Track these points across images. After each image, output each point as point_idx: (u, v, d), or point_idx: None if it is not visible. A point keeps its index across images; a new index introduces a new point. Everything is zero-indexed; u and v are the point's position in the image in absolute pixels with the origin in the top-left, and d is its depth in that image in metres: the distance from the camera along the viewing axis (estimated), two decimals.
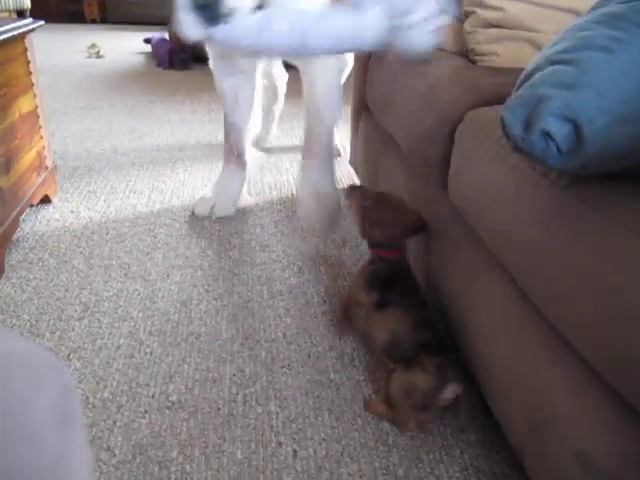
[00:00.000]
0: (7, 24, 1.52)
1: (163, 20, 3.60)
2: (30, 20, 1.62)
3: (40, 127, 1.71)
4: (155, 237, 1.60)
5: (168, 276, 1.43)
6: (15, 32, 1.49)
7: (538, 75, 0.69)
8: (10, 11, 4.21)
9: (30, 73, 1.64)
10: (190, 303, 1.33)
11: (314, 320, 1.29)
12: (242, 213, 1.76)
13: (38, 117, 1.69)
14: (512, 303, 0.88)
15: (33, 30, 1.60)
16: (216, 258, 1.51)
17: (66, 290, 1.36)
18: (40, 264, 1.46)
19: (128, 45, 4.60)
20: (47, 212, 1.72)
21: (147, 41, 4.40)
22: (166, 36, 4.30)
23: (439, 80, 1.23)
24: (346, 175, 2.04)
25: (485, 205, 0.93)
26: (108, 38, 4.82)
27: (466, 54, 1.38)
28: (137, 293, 1.36)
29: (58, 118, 2.58)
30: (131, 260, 1.49)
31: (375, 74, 1.58)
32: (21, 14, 4.30)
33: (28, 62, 1.62)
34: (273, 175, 2.05)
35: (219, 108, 2.83)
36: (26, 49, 1.60)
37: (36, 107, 1.68)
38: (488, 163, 0.93)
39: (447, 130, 1.10)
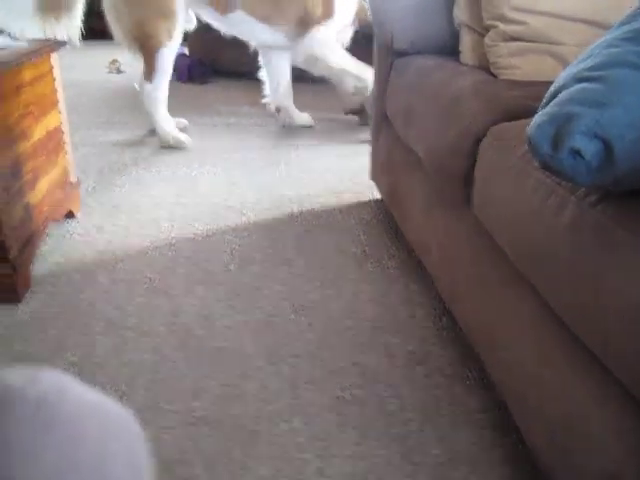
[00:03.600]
0: (34, 43, 1.55)
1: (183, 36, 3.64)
2: (55, 38, 1.65)
3: (65, 143, 1.73)
4: (177, 252, 1.61)
5: (191, 291, 1.44)
6: (42, 51, 1.51)
7: (565, 93, 0.69)
8: None
9: (56, 90, 1.66)
10: (213, 318, 1.33)
11: (337, 336, 1.29)
12: (263, 227, 1.76)
13: (63, 133, 1.72)
14: (537, 318, 0.88)
15: (59, 48, 1.62)
16: (238, 273, 1.52)
17: (91, 305, 1.37)
18: (65, 279, 1.47)
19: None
20: (71, 227, 1.74)
21: None
22: (185, 51, 4.34)
23: (461, 94, 1.23)
24: (366, 190, 2.04)
25: (510, 221, 0.93)
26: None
27: (487, 67, 1.38)
28: (160, 308, 1.36)
29: (80, 133, 2.62)
30: (154, 275, 1.50)
31: (395, 86, 1.59)
32: None
33: (54, 79, 1.65)
34: (294, 189, 2.05)
35: (238, 122, 2.87)
36: (52, 67, 1.63)
37: (61, 123, 1.70)
38: (513, 179, 0.92)
39: (470, 144, 1.10)
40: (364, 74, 2.47)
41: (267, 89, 2.84)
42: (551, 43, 1.28)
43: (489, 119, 1.09)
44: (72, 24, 2.07)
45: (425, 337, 1.29)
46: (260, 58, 2.79)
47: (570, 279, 0.74)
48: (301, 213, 1.87)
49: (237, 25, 2.48)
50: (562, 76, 0.73)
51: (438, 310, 1.37)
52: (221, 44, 2.98)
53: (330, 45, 2.52)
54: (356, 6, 2.60)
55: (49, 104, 1.62)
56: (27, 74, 1.46)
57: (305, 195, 2.01)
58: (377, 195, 1.99)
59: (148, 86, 2.40)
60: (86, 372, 1.15)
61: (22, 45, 1.52)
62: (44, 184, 1.55)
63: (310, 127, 2.77)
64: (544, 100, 0.72)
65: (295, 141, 2.62)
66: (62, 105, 1.71)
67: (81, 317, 1.32)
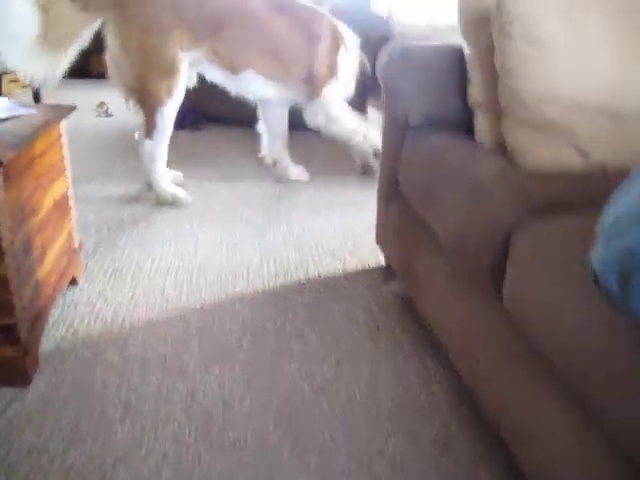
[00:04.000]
0: (43, 109, 1.52)
1: None
2: (65, 105, 1.62)
3: (70, 209, 1.70)
4: (187, 324, 1.58)
5: (206, 369, 1.40)
6: (54, 120, 1.49)
7: (624, 225, 0.69)
8: None
9: (64, 157, 1.64)
10: (233, 401, 1.30)
11: (360, 420, 1.27)
12: (271, 295, 1.75)
13: (68, 199, 1.69)
14: (577, 423, 0.87)
15: (69, 114, 1.60)
16: (252, 349, 1.49)
17: (104, 387, 1.33)
18: (74, 356, 1.43)
19: None
20: (74, 295, 1.70)
21: None
22: None
23: (485, 181, 1.24)
24: (371, 254, 2.04)
25: (548, 324, 0.93)
26: (115, 95, 4.84)
27: (504, 147, 1.39)
28: (177, 390, 1.33)
29: (75, 186, 2.57)
30: (166, 351, 1.46)
31: (409, 160, 1.60)
32: None
33: (62, 147, 1.62)
34: (298, 252, 2.04)
35: (234, 174, 2.85)
36: (61, 134, 1.60)
37: (67, 189, 1.67)
38: (551, 283, 0.93)
39: (500, 236, 1.10)
40: (371, 134, 2.62)
41: (264, 142, 2.85)
42: (569, 132, 1.29)
43: (518, 212, 1.10)
44: (65, 60, 2.11)
45: (448, 420, 1.28)
46: (259, 111, 2.80)
47: (617, 392, 0.74)
48: (308, 280, 1.85)
49: (248, 84, 2.49)
50: (615, 206, 0.73)
51: (457, 390, 1.36)
52: (212, 91, 2.98)
53: (339, 106, 2.60)
54: (358, 59, 2.65)
55: (57, 172, 1.60)
56: (39, 146, 1.43)
57: (310, 259, 2.00)
58: (382, 261, 1.99)
59: (148, 143, 2.37)
60: (107, 466, 1.11)
61: (31, 112, 1.49)
62: (52, 256, 1.52)
63: (305, 182, 2.77)
64: (599, 229, 0.73)
65: (294, 196, 2.62)
66: (69, 170, 1.68)
67: (95, 401, 1.28)
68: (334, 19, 2.57)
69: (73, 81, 5.42)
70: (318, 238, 2.17)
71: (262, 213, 2.39)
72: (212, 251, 2.02)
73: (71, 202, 1.70)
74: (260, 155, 2.87)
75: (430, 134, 1.55)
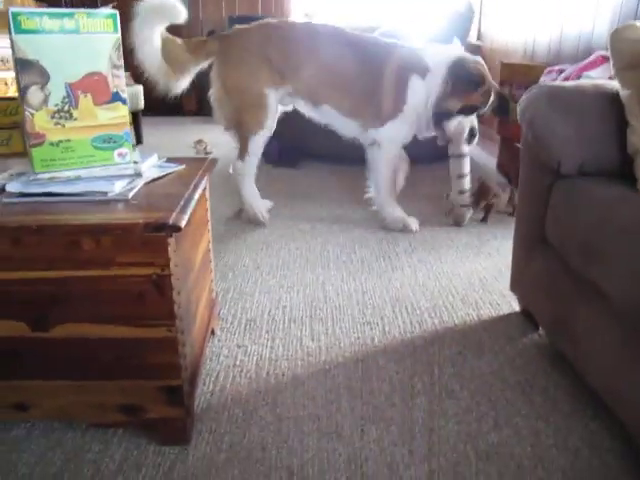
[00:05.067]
0: (190, 165, 1.53)
1: None
2: (210, 158, 1.64)
3: (211, 261, 1.71)
4: (334, 379, 1.55)
5: (363, 431, 1.36)
6: (203, 176, 1.50)
7: None
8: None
9: (207, 210, 1.65)
10: (397, 468, 1.25)
11: None
12: (411, 348, 1.70)
13: (210, 251, 1.70)
14: None
15: (214, 167, 1.61)
16: (405, 408, 1.44)
17: (263, 449, 1.31)
18: (226, 414, 1.42)
19: (230, 140, 4.73)
20: (215, 347, 1.70)
21: None
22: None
23: None
24: (502, 300, 1.96)
25: None
26: (210, 132, 4.98)
27: None
28: (338, 453, 1.29)
29: None
30: (318, 410, 1.43)
31: (561, 212, 1.52)
32: (135, 114, 4.55)
33: (206, 200, 1.64)
34: (428, 300, 1.99)
35: (347, 214, 2.84)
36: (205, 188, 1.62)
37: (209, 241, 1.69)
38: None
39: None
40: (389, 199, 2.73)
41: (370, 183, 2.82)
42: None
43: None
44: (176, 85, 2.59)
45: None
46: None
47: None
48: (445, 330, 1.79)
49: (329, 118, 2.72)
50: None
51: (633, 460, 1.27)
52: (311, 128, 3.03)
53: (394, 142, 2.65)
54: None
55: (204, 225, 1.62)
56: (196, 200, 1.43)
57: (442, 307, 1.94)
58: (515, 306, 1.92)
59: (239, 164, 2.75)
60: None
61: (180, 168, 1.51)
62: (200, 311, 1.53)
63: (412, 232, 2.69)
64: None
65: (407, 237, 2.57)
66: (210, 222, 1.70)
67: (257, 465, 1.26)
68: (410, 50, 2.58)
69: (169, 118, 5.64)
70: (445, 283, 2.11)
71: (382, 257, 2.36)
72: (342, 300, 1.99)
73: (211, 254, 1.71)
74: (365, 197, 2.84)
75: (588, 184, 1.48)
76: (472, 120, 2.57)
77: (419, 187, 3.24)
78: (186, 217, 1.16)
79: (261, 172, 3.57)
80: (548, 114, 1.54)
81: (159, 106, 5.09)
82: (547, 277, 1.62)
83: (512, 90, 3.41)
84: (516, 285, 1.85)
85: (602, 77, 2.69)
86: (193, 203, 1.27)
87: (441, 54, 2.54)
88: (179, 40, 2.56)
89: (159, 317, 1.19)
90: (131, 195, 1.25)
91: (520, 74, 3.37)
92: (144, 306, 1.18)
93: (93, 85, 1.31)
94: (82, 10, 1.27)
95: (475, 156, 4.31)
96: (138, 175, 1.34)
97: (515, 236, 1.83)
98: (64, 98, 1.28)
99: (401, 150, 2.72)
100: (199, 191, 1.38)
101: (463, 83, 2.48)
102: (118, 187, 1.27)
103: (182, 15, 2.29)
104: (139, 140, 4.77)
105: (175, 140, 4.89)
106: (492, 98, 2.54)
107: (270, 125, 2.66)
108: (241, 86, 2.58)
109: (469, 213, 2.72)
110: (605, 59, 2.76)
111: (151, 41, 2.37)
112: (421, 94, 2.53)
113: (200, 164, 1.59)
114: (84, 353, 1.24)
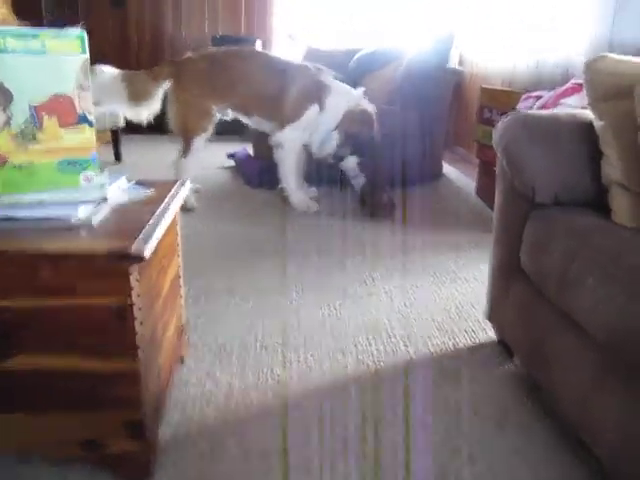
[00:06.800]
0: (159, 189, 1.50)
1: (239, 130, 3.84)
2: (176, 181, 1.60)
3: (180, 287, 1.67)
4: (303, 411, 1.51)
5: (332, 466, 1.32)
6: (173, 201, 1.46)
7: None
8: (106, 129, 4.44)
9: (177, 234, 1.62)
10: None
11: None
12: (384, 378, 1.66)
13: (180, 277, 1.66)
14: None
15: (184, 192, 1.57)
16: (376, 440, 1.40)
17: None
18: (191, 445, 1.37)
19: (210, 160, 4.70)
20: (183, 375, 1.65)
21: (231, 156, 4.50)
22: (249, 150, 4.39)
23: None
24: (477, 327, 1.94)
25: None
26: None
27: None
28: None
29: None
30: (287, 443, 1.39)
31: (537, 242, 1.50)
32: (114, 131, 4.51)
33: (177, 224, 1.60)
34: (404, 328, 1.96)
35: (324, 236, 2.79)
36: (176, 212, 1.58)
37: (179, 267, 1.65)
38: None
39: None
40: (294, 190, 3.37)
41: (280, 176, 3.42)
42: None
43: None
44: (146, 111, 3.28)
45: None
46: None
47: None
48: (420, 359, 1.76)
49: (256, 123, 3.45)
50: None
51: None
52: None
53: (292, 142, 3.28)
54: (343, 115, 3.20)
55: (174, 251, 1.58)
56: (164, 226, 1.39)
57: (417, 335, 1.91)
58: (492, 335, 1.90)
59: (183, 160, 3.34)
60: None
61: (150, 192, 1.48)
62: (168, 339, 1.48)
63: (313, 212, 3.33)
64: None
65: (384, 265, 2.55)
66: (180, 247, 1.66)
67: None
68: (325, 77, 3.27)
69: (149, 136, 5.59)
70: (421, 311, 2.08)
71: (358, 282, 2.33)
72: (316, 326, 1.95)
73: (182, 280, 1.67)
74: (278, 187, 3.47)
75: (563, 213, 1.47)
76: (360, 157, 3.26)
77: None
78: (150, 246, 1.12)
79: (241, 195, 3.56)
80: (523, 142, 1.54)
81: (139, 125, 5.07)
82: (523, 306, 1.61)
83: (492, 115, 3.42)
84: (492, 314, 1.83)
85: (578, 105, 2.71)
86: (160, 230, 1.24)
87: (339, 100, 3.20)
88: (141, 72, 3.26)
89: (120, 348, 1.15)
90: (95, 221, 1.22)
91: (499, 100, 3.39)
92: (105, 337, 1.14)
93: (59, 107, 1.27)
94: (48, 30, 1.23)
95: (454, 179, 4.32)
96: (104, 200, 1.30)
97: (491, 264, 1.81)
98: (28, 120, 1.24)
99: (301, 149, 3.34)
100: (168, 216, 1.34)
101: (352, 141, 3.18)
102: (82, 212, 1.23)
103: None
104: (118, 158, 4.72)
105: (154, 159, 4.85)
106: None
107: (209, 131, 3.31)
108: (190, 102, 3.24)
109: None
110: (581, 86, 2.78)
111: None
112: (312, 119, 3.20)
113: (170, 186, 1.55)
114: (42, 385, 1.19)
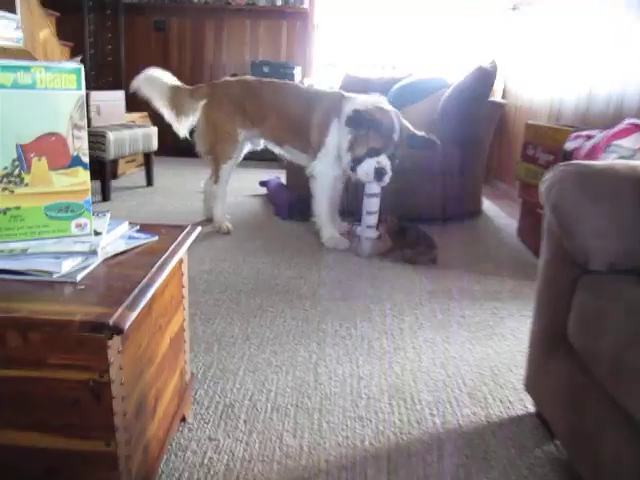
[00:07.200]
0: (166, 234, 1.36)
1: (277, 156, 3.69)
2: (189, 228, 1.46)
3: (185, 342, 1.52)
4: None
5: None
6: (178, 249, 1.32)
7: None
8: (139, 153, 4.40)
9: (183, 286, 1.47)
10: None
11: None
12: (406, 456, 1.47)
13: (184, 331, 1.51)
14: None
15: (193, 238, 1.43)
16: None
17: None
18: None
19: (241, 186, 4.60)
20: (184, 439, 1.49)
21: (263, 184, 4.39)
22: (282, 179, 4.27)
23: None
24: (513, 395, 1.74)
25: None
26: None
27: None
28: None
29: None
30: None
31: (588, 314, 1.30)
32: (148, 155, 4.47)
33: (182, 274, 1.46)
34: (431, 392, 1.76)
35: (352, 280, 2.60)
36: (182, 260, 1.44)
37: (184, 320, 1.50)
38: None
39: None
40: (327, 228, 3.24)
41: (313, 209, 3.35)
42: None
43: None
44: (185, 124, 3.44)
45: None
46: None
47: None
48: (447, 433, 1.56)
49: (289, 153, 3.45)
50: None
51: None
52: None
53: (324, 174, 3.16)
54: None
55: (176, 305, 1.43)
56: (160, 286, 1.24)
57: (445, 401, 1.71)
58: (530, 406, 1.69)
59: (214, 187, 3.44)
60: None
61: (153, 239, 1.34)
62: (163, 404, 1.33)
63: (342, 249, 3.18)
64: None
65: (413, 314, 2.36)
66: (187, 296, 1.51)
67: None
68: (344, 98, 3.12)
69: (181, 159, 5.55)
70: (451, 372, 1.89)
71: (384, 333, 2.14)
72: (334, 386, 1.77)
73: (187, 334, 1.52)
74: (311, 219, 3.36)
75: (621, 284, 1.27)
76: (379, 161, 2.86)
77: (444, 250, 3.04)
78: (134, 314, 0.97)
79: (272, 228, 3.43)
80: (577, 201, 1.34)
81: (171, 148, 5.02)
82: (567, 384, 1.40)
83: (536, 153, 3.22)
84: (531, 385, 1.62)
85: (633, 147, 2.50)
86: (153, 290, 1.09)
87: (355, 103, 2.98)
88: (184, 87, 3.43)
89: (95, 429, 1.00)
90: (80, 277, 1.08)
91: (545, 137, 3.18)
92: (79, 415, 0.99)
93: (49, 147, 1.14)
94: (40, 63, 1.11)
95: (494, 216, 4.11)
96: (93, 253, 1.16)
97: (532, 330, 1.61)
98: (14, 161, 1.12)
99: (336, 182, 3.21)
100: (167, 271, 1.20)
101: (361, 129, 2.86)
102: (66, 267, 1.09)
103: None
104: (150, 182, 4.65)
105: (185, 183, 4.78)
106: (397, 139, 2.91)
107: (236, 157, 3.39)
108: (218, 123, 3.30)
109: (371, 246, 3.03)
110: (637, 127, 2.57)
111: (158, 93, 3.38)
112: (336, 137, 3.05)
113: (177, 233, 1.41)
114: (9, 464, 1.04)
